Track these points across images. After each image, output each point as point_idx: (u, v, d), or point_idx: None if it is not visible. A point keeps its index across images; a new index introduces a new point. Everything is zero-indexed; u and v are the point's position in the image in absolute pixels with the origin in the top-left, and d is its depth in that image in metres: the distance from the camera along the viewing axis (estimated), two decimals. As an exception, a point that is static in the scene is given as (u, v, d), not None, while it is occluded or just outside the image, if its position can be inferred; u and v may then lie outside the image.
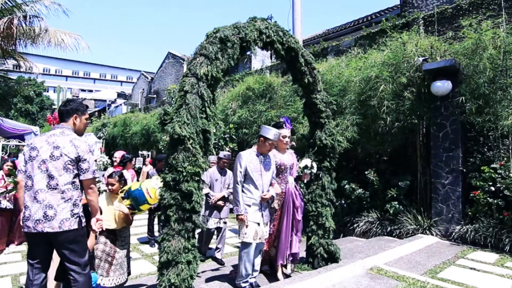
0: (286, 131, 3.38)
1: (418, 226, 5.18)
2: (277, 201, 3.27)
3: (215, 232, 4.69)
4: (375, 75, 5.46)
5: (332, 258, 3.56)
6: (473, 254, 4.29)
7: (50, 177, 2.22)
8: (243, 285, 3.01)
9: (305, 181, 3.65)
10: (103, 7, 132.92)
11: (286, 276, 3.35)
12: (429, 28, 6.46)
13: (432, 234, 5.03)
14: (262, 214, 3.05)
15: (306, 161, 3.51)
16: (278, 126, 3.36)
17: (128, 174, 4.73)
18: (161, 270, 2.32)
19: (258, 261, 3.14)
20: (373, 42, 6.69)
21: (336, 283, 3.06)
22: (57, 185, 2.22)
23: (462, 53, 5.10)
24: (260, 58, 12.53)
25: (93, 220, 2.43)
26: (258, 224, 2.99)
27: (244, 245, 2.97)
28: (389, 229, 5.41)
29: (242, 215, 2.93)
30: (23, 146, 12.38)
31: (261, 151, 3.12)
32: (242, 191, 3.02)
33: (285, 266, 3.45)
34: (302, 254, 3.73)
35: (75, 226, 2.25)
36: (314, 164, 3.53)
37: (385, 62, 5.56)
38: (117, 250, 2.93)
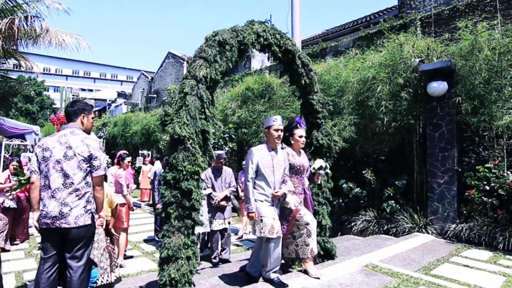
0: (302, 131, 3.31)
1: (414, 225, 5.26)
2: (293, 202, 3.14)
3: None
4: (372, 76, 5.54)
5: (328, 255, 3.64)
6: (467, 252, 4.37)
7: (66, 176, 2.33)
8: (272, 276, 2.91)
9: (318, 182, 3.58)
10: (103, 6, 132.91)
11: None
12: (426, 29, 6.53)
13: (428, 233, 5.11)
14: (274, 210, 3.00)
15: (320, 162, 3.48)
16: (293, 126, 3.32)
17: (123, 172, 4.79)
18: (162, 265, 2.40)
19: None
20: (371, 43, 6.76)
21: (331, 279, 3.14)
22: (72, 183, 2.34)
23: (458, 54, 5.18)
24: (260, 58, 12.60)
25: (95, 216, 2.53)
26: (274, 218, 2.91)
27: (268, 240, 2.88)
28: (386, 227, 5.49)
29: (253, 212, 2.88)
30: (24, 145, 12.47)
31: (271, 145, 3.08)
32: (254, 187, 2.97)
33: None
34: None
35: (89, 222, 2.38)
36: (328, 165, 3.52)
37: (382, 63, 5.64)
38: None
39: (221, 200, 4.53)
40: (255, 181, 2.99)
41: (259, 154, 3.01)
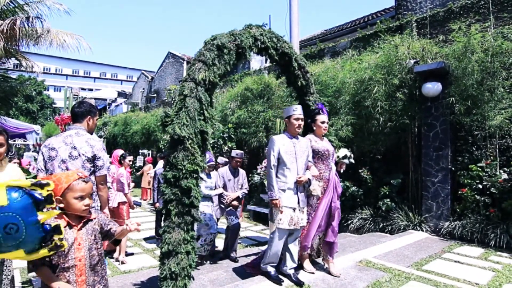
0: (324, 117, 3.32)
1: (409, 223, 5.38)
2: (320, 188, 3.16)
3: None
4: (368, 77, 5.65)
5: (324, 251, 3.74)
6: (459, 248, 4.49)
7: None
8: (269, 269, 2.97)
9: (341, 171, 3.60)
10: (104, 5, 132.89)
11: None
12: (422, 30, 6.64)
13: (422, 230, 5.24)
14: (298, 200, 2.96)
15: (345, 151, 3.50)
16: (315, 112, 3.36)
17: (124, 171, 4.91)
18: (162, 260, 2.51)
19: (295, 251, 3.06)
20: (368, 44, 6.87)
21: (325, 274, 3.26)
22: None
23: (452, 56, 5.27)
24: (259, 59, 12.68)
25: None
26: (294, 209, 2.92)
27: (278, 231, 2.93)
28: (381, 225, 5.61)
29: (276, 199, 2.88)
30: (25, 145, 12.58)
31: (292, 133, 3.09)
32: (276, 176, 2.97)
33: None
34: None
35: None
36: (352, 154, 3.55)
37: (379, 64, 5.75)
38: None
39: (233, 200, 4.48)
40: (277, 169, 2.99)
41: (280, 141, 3.02)
